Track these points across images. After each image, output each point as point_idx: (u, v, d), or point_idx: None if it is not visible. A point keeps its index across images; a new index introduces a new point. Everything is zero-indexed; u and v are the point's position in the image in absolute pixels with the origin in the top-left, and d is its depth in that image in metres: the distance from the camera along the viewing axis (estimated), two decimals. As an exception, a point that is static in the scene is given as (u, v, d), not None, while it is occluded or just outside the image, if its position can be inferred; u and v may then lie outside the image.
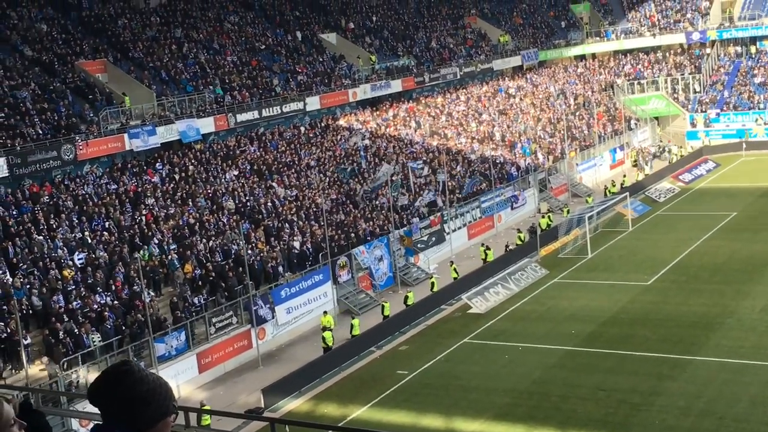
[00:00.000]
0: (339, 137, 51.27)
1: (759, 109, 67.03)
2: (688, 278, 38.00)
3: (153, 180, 39.70)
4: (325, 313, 34.07)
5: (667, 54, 75.75)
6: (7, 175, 34.11)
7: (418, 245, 43.21)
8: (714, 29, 74.41)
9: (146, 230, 35.29)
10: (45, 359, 27.09)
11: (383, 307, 35.60)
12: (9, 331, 27.41)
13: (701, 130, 67.88)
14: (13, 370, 26.99)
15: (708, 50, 74.69)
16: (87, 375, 27.24)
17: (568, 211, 49.97)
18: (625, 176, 58.76)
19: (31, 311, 28.86)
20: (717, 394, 25.95)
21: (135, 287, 31.40)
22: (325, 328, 32.74)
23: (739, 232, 44.53)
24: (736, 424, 24.01)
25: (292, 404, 28.45)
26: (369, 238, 40.76)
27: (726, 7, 76.75)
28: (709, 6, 77.35)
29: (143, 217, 36.13)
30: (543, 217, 48.16)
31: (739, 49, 74.61)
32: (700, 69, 72.39)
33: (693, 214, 49.89)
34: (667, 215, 50.38)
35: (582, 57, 78.90)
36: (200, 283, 33.58)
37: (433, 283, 38.47)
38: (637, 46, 77.04)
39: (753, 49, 73.86)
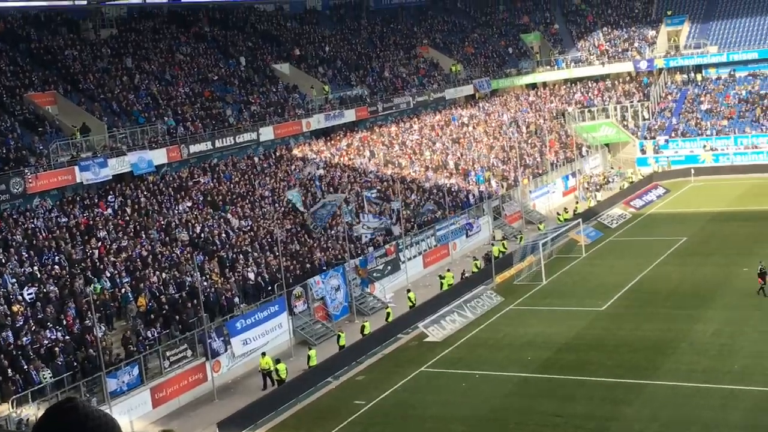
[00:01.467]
0: (293, 167, 51.19)
1: (706, 135, 68.33)
2: (641, 303, 38.37)
3: (105, 212, 39.22)
4: (264, 354, 33.26)
5: (616, 82, 77.07)
6: (-46, 209, 33.53)
7: (374, 274, 43.16)
8: (661, 57, 75.97)
9: (98, 263, 34.80)
10: None
11: (339, 337, 35.46)
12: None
13: (651, 156, 68.98)
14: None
15: (656, 78, 76.14)
16: (37, 412, 26.65)
17: (521, 239, 50.28)
18: (577, 203, 59.39)
19: (-21, 348, 28.24)
20: (671, 418, 26.17)
21: (87, 321, 30.89)
22: (268, 368, 32.22)
23: (690, 257, 45.16)
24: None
25: (248, 438, 28.13)
26: (325, 267, 40.62)
27: (672, 36, 78.42)
28: (655, 35, 78.97)
29: (95, 250, 35.63)
30: (494, 245, 48.28)
31: (685, 76, 76.16)
32: (648, 96, 73.72)
33: (645, 239, 50.50)
34: (620, 241, 50.94)
35: (533, 85, 79.91)
36: (153, 316, 33.13)
37: (388, 314, 38.44)
38: (586, 75, 78.23)
39: (699, 76, 75.45)
